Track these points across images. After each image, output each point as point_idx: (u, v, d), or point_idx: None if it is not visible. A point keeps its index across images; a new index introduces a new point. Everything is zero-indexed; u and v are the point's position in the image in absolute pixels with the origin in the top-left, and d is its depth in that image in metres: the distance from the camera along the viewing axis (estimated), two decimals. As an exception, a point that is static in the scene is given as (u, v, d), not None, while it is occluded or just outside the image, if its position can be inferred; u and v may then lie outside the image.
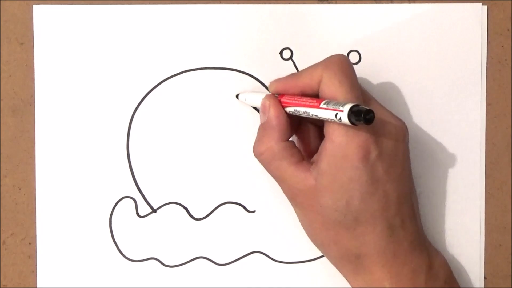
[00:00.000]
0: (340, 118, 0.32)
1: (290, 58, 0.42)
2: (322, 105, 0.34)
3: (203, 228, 0.42)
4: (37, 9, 0.41)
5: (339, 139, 0.34)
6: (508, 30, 0.42)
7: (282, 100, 0.37)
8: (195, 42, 0.42)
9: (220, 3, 0.42)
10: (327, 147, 0.35)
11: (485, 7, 0.42)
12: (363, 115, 0.31)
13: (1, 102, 0.42)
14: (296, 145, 0.38)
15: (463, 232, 0.42)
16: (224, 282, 0.42)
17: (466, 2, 0.42)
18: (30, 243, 0.42)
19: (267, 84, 0.42)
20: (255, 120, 0.42)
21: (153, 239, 0.42)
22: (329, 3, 0.42)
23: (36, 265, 0.41)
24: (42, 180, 0.41)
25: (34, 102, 0.41)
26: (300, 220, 0.38)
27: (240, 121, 0.42)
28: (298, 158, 0.36)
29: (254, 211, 0.42)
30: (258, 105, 0.39)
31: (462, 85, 0.42)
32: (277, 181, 0.37)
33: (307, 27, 0.42)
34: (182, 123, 0.42)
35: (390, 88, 0.42)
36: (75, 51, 0.41)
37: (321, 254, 0.41)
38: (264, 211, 0.42)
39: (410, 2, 0.42)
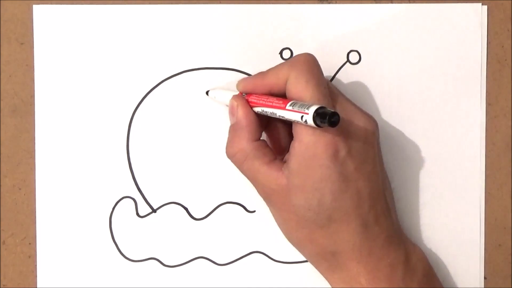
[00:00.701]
0: (306, 120, 0.32)
1: (290, 58, 0.42)
2: (288, 107, 0.34)
3: (203, 228, 0.42)
4: (37, 9, 0.41)
5: (307, 139, 0.34)
6: (508, 30, 0.42)
7: (249, 99, 0.37)
8: (195, 42, 0.42)
9: (220, 3, 0.42)
10: (295, 147, 0.35)
11: (485, 7, 0.42)
12: (328, 117, 0.31)
13: (1, 102, 0.42)
14: (268, 143, 0.38)
15: (463, 232, 0.42)
16: (224, 282, 0.42)
17: (466, 2, 0.42)
18: (30, 243, 0.42)
19: (267, 84, 0.42)
20: (255, 120, 0.42)
21: (153, 239, 0.42)
22: (329, 3, 0.42)
23: (36, 265, 0.41)
24: (42, 180, 0.41)
25: (34, 102, 0.41)
26: (275, 219, 0.38)
27: (240, 121, 0.42)
28: (270, 157, 0.36)
29: (254, 211, 0.42)
30: (227, 103, 0.39)
31: (462, 85, 0.42)
32: (250, 181, 0.37)
33: (307, 27, 0.42)
34: (182, 123, 0.42)
35: (390, 88, 0.42)
36: (75, 51, 0.41)
37: (321, 254, 0.41)
38: (264, 211, 0.42)
39: (410, 2, 0.42)
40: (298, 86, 0.35)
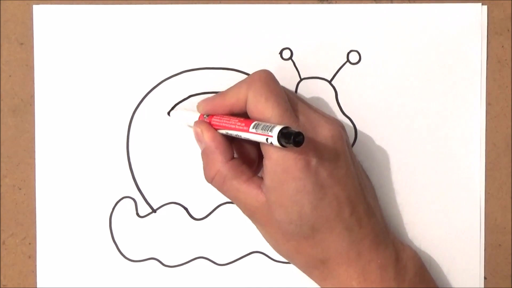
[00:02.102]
0: (271, 143, 0.32)
1: (290, 58, 0.42)
2: (251, 129, 0.34)
3: (203, 228, 0.42)
4: (37, 9, 0.41)
5: (276, 155, 0.34)
6: (508, 30, 0.42)
7: (212, 121, 0.37)
8: (195, 42, 0.42)
9: (220, 3, 0.42)
10: (266, 164, 0.35)
11: (485, 7, 0.42)
12: (293, 138, 0.31)
13: (1, 102, 0.42)
14: (240, 160, 0.38)
15: (463, 232, 0.42)
16: (224, 282, 0.42)
17: (466, 2, 0.42)
18: (30, 243, 0.42)
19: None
20: (255, 120, 0.42)
21: (153, 239, 0.42)
22: (329, 3, 0.42)
23: (36, 265, 0.41)
24: (42, 180, 0.41)
25: (34, 102, 0.41)
26: (263, 235, 0.38)
27: (240, 121, 0.42)
28: (248, 175, 0.36)
29: (254, 211, 0.42)
30: (189, 123, 0.39)
31: (462, 85, 0.42)
32: (233, 201, 0.37)
33: (307, 27, 0.42)
34: (182, 123, 0.42)
35: (389, 88, 0.42)
36: (75, 51, 0.41)
37: (321, 254, 0.41)
38: (264, 211, 0.42)
39: (410, 2, 0.42)
40: (258, 105, 0.35)
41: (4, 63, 0.41)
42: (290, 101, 0.36)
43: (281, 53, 0.42)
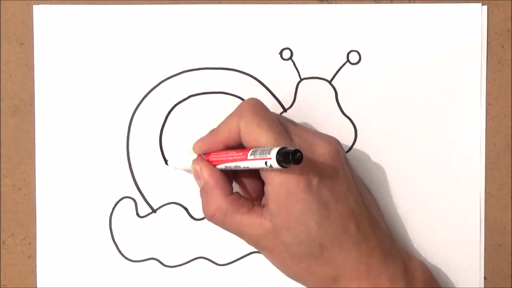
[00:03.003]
0: (270, 165, 0.32)
1: (290, 58, 0.42)
2: (249, 157, 0.34)
3: (203, 228, 0.42)
4: (37, 9, 0.41)
5: (277, 180, 0.34)
6: (508, 30, 0.42)
7: (210, 158, 0.37)
8: (195, 42, 0.42)
9: (220, 3, 0.42)
10: (269, 190, 0.35)
11: (485, 7, 0.42)
12: (291, 156, 0.31)
13: (1, 102, 0.42)
14: (240, 193, 0.38)
15: (463, 232, 0.42)
16: (224, 282, 0.42)
17: (466, 2, 0.42)
18: (30, 243, 0.42)
19: (267, 84, 0.42)
20: (255, 120, 0.42)
21: (153, 239, 0.42)
22: (329, 3, 0.42)
23: (36, 265, 0.41)
24: (42, 180, 0.41)
25: (34, 102, 0.41)
26: (272, 262, 0.38)
27: (240, 121, 0.42)
28: (248, 206, 0.36)
29: (254, 211, 0.42)
30: (188, 167, 0.39)
31: (462, 85, 0.42)
32: (236, 235, 0.37)
33: (307, 27, 0.42)
34: (182, 123, 0.42)
35: (389, 88, 0.42)
36: (75, 51, 0.41)
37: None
38: (264, 211, 0.42)
39: (410, 2, 0.42)
40: (252, 132, 0.35)
41: (4, 63, 0.41)
42: (282, 124, 0.37)
43: (281, 53, 0.42)
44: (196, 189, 0.42)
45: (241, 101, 0.42)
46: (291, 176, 0.34)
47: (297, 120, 0.41)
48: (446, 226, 0.42)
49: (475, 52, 0.42)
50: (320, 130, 0.41)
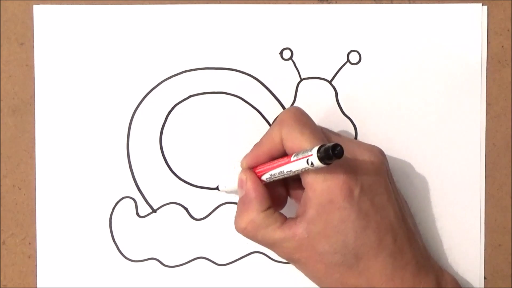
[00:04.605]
0: (311, 163, 0.32)
1: (290, 58, 0.42)
2: (292, 158, 0.34)
3: (203, 228, 0.42)
4: (37, 9, 0.41)
5: (320, 186, 0.34)
6: (508, 30, 0.42)
7: (256, 171, 0.38)
8: (195, 42, 0.42)
9: (220, 3, 0.42)
10: (310, 196, 0.35)
11: (485, 7, 0.42)
12: (331, 151, 0.31)
13: (1, 102, 0.42)
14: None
15: (463, 232, 0.42)
16: (224, 282, 0.42)
17: (466, 2, 0.42)
18: (30, 243, 0.42)
19: (267, 84, 0.42)
20: (255, 120, 0.42)
21: (153, 239, 0.42)
22: (329, 3, 0.42)
23: (36, 265, 0.41)
24: (42, 180, 0.41)
25: (34, 102, 0.41)
26: (304, 274, 0.38)
27: (240, 121, 0.42)
28: (281, 220, 0.36)
29: (254, 211, 0.42)
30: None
31: (462, 85, 0.42)
32: (268, 247, 0.37)
33: (307, 27, 0.42)
34: (182, 123, 0.42)
35: (390, 88, 0.42)
36: (75, 51, 0.41)
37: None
38: (264, 211, 0.42)
39: (410, 2, 0.42)
40: (295, 140, 0.35)
41: (4, 63, 0.41)
42: (324, 133, 0.37)
43: (281, 53, 0.42)
44: (196, 189, 0.42)
45: (241, 101, 0.42)
46: (334, 184, 0.34)
47: (297, 120, 0.41)
48: (446, 226, 0.42)
49: (475, 52, 0.42)
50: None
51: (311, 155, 0.32)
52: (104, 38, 0.41)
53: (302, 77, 0.42)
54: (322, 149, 0.32)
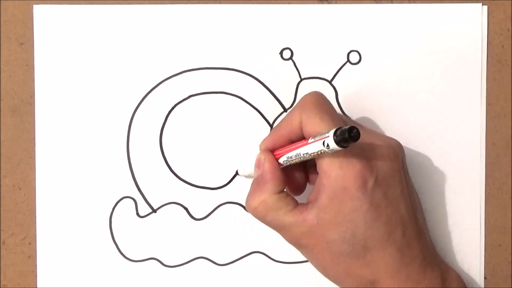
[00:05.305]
0: (327, 145, 0.32)
1: (290, 58, 0.42)
2: (309, 141, 0.34)
3: (203, 228, 0.42)
4: (37, 9, 0.41)
5: (335, 173, 0.34)
6: (508, 30, 0.42)
7: (274, 154, 0.37)
8: (195, 42, 0.42)
9: (220, 3, 0.42)
10: (324, 183, 0.35)
11: (485, 7, 0.42)
12: (348, 133, 0.31)
13: (1, 102, 0.42)
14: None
15: (463, 232, 0.42)
16: (224, 282, 0.42)
17: (466, 2, 0.42)
18: (30, 243, 0.42)
19: (267, 84, 0.42)
20: (255, 120, 0.42)
21: (153, 239, 0.42)
22: (329, 3, 0.42)
23: (36, 265, 0.41)
24: (42, 180, 0.41)
25: (34, 102, 0.41)
26: (310, 261, 0.38)
27: (240, 121, 0.42)
28: (293, 205, 0.36)
29: (254, 211, 0.42)
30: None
31: (462, 85, 0.42)
32: (276, 230, 0.37)
33: (307, 27, 0.42)
34: (182, 123, 0.42)
35: (390, 88, 0.42)
36: (75, 51, 0.41)
37: (321, 254, 0.41)
38: (264, 211, 0.42)
39: (410, 2, 0.42)
40: (314, 124, 0.35)
41: (4, 63, 0.41)
42: (344, 122, 0.37)
43: (281, 53, 0.42)
44: (196, 189, 0.42)
45: (241, 101, 0.42)
46: (350, 172, 0.34)
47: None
48: (446, 226, 0.42)
49: (475, 52, 0.42)
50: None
51: (328, 136, 0.32)
52: (104, 38, 0.41)
53: (302, 77, 0.42)
54: (338, 131, 0.32)
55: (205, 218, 0.42)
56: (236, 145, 0.42)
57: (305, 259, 0.42)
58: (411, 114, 0.42)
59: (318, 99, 0.36)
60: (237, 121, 0.42)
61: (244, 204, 0.42)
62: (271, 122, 0.42)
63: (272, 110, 0.42)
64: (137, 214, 0.42)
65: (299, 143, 0.35)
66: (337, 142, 0.32)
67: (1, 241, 0.42)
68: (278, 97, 0.42)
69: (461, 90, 0.42)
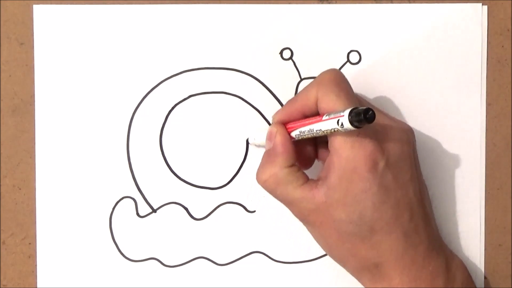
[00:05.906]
0: (342, 124, 0.32)
1: (290, 58, 0.42)
2: (324, 118, 0.34)
3: (203, 228, 0.42)
4: (37, 9, 0.41)
5: (346, 153, 0.34)
6: (508, 30, 0.42)
7: (286, 127, 0.38)
8: (195, 42, 0.42)
9: (220, 3, 0.42)
10: (335, 161, 0.35)
11: (485, 7, 0.42)
12: (363, 115, 0.31)
13: (1, 102, 0.42)
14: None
15: (463, 232, 0.42)
16: (224, 282, 0.42)
17: (466, 2, 0.42)
18: (30, 243, 0.42)
19: (267, 84, 0.42)
20: (255, 120, 0.42)
21: (153, 239, 0.42)
22: (329, 3, 0.42)
23: (36, 265, 0.41)
24: (42, 180, 0.41)
25: (34, 102, 0.41)
26: (315, 238, 0.38)
27: (240, 121, 0.42)
28: (303, 180, 0.36)
29: (254, 211, 0.42)
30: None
31: (462, 85, 0.42)
32: (285, 204, 0.37)
33: (307, 27, 0.42)
34: (182, 123, 0.42)
35: (390, 88, 0.42)
36: (75, 51, 0.41)
37: (321, 254, 0.41)
38: (264, 211, 0.42)
39: (410, 2, 0.42)
40: (330, 102, 0.35)
41: (4, 63, 0.41)
42: (360, 102, 0.37)
43: (281, 53, 0.42)
44: (196, 189, 0.42)
45: (241, 101, 0.42)
46: (361, 153, 0.34)
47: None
48: (446, 226, 0.42)
49: (475, 52, 0.42)
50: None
51: (343, 116, 0.32)
52: (104, 38, 0.41)
53: (302, 77, 0.42)
54: (354, 112, 0.32)
55: (205, 218, 0.42)
56: (236, 145, 0.42)
57: (305, 259, 0.42)
58: (411, 114, 0.42)
59: (337, 77, 0.36)
60: (237, 121, 0.42)
61: (244, 204, 0.42)
62: (271, 122, 0.42)
63: (272, 110, 0.42)
64: (137, 214, 0.42)
65: (313, 119, 0.35)
66: (351, 122, 0.32)
67: (1, 241, 0.42)
68: (278, 97, 0.42)
69: (461, 90, 0.42)
